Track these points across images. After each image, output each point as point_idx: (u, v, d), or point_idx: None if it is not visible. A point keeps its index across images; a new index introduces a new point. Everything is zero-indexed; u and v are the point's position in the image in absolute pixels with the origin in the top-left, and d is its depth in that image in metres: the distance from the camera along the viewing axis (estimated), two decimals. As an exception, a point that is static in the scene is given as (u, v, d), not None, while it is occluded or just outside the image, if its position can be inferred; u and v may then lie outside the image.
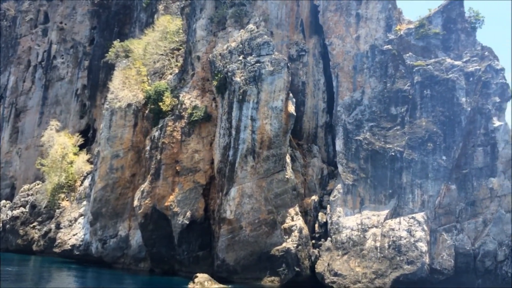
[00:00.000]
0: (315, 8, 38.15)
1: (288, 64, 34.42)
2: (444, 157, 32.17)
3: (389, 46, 34.92)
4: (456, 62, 33.76)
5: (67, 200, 45.27)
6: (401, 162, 32.71)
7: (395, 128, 33.54)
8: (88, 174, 45.17)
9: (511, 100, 33.90)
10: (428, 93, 33.33)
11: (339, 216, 33.06)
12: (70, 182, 46.03)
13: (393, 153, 32.97)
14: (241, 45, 34.78)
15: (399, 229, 31.30)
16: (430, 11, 35.81)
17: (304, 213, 34.12)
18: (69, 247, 41.06)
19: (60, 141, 47.57)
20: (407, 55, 34.40)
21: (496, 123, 32.88)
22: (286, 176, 32.71)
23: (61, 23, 54.79)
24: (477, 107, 33.13)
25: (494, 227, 31.72)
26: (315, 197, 34.83)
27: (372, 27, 35.71)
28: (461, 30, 34.76)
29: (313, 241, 33.44)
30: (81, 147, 49.15)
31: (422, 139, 32.62)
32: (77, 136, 49.80)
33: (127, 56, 42.59)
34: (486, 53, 34.09)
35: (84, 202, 42.95)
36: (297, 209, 33.05)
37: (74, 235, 41.64)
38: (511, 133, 33.09)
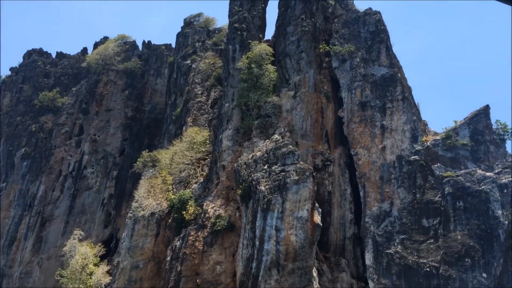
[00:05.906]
0: (339, 119, 38.71)
1: (314, 174, 34.01)
2: (484, 275, 29.66)
3: (416, 157, 34.44)
4: (488, 174, 32.72)
5: (83, 314, 42.93)
6: (437, 279, 30.27)
7: (428, 241, 31.65)
8: (106, 286, 43.33)
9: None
10: (461, 205, 31.90)
11: None
12: (88, 294, 44.09)
13: (428, 269, 30.68)
14: (266, 155, 34.91)
15: None
16: (456, 123, 35.83)
17: (333, 335, 31.16)
18: None
19: (81, 251, 46.54)
20: (436, 165, 33.69)
21: (538, 237, 30.74)
22: (313, 292, 30.48)
23: (94, 135, 57.27)
24: (515, 221, 31.30)
25: None
26: (344, 317, 32.04)
27: (397, 138, 35.63)
28: (489, 141, 34.29)
29: None
30: (103, 257, 47.92)
31: (459, 254, 30.48)
32: (99, 246, 48.87)
33: (154, 166, 43.29)
34: (519, 164, 33.14)
35: (100, 317, 40.67)
36: (325, 330, 30.26)
37: None
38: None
